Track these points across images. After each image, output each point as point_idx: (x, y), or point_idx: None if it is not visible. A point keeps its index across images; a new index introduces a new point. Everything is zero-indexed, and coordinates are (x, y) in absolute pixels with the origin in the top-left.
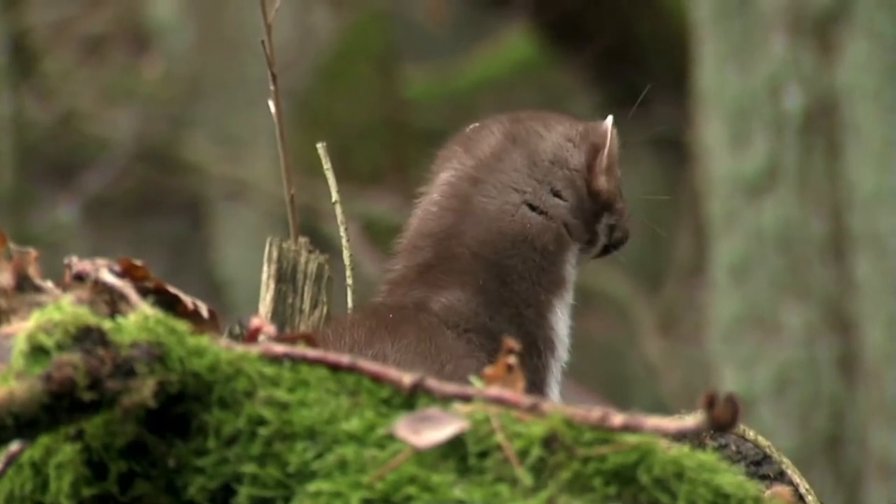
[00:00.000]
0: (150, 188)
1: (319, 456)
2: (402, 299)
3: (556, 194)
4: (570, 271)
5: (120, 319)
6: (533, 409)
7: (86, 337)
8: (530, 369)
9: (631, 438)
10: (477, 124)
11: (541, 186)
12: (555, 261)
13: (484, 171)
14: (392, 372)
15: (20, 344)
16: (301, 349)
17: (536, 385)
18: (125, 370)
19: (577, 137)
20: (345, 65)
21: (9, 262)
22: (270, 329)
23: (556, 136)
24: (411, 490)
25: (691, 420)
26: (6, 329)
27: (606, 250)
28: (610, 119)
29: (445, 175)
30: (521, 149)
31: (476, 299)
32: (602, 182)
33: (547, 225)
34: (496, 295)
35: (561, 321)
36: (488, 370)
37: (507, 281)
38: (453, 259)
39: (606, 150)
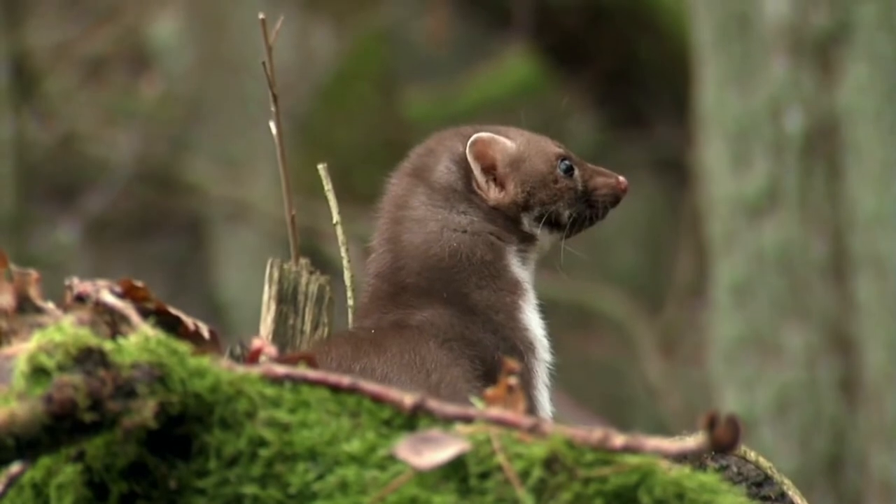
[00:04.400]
0: (151, 209)
1: (320, 477)
2: (379, 321)
3: (465, 213)
4: (519, 272)
5: (121, 340)
6: (534, 430)
7: (87, 358)
8: None
9: (632, 459)
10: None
11: (449, 211)
12: (499, 266)
13: (401, 210)
14: (393, 393)
15: (21, 365)
16: (302, 370)
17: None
18: (126, 391)
19: (458, 161)
20: (345, 86)
21: (10, 283)
22: (271, 350)
23: (442, 166)
24: None
25: (692, 441)
26: (7, 350)
27: (577, 227)
28: (472, 138)
29: (380, 219)
30: (421, 183)
31: (448, 311)
32: (493, 195)
33: (473, 239)
34: (463, 306)
35: (533, 321)
36: (489, 391)
37: (467, 292)
38: (410, 286)
39: (476, 172)
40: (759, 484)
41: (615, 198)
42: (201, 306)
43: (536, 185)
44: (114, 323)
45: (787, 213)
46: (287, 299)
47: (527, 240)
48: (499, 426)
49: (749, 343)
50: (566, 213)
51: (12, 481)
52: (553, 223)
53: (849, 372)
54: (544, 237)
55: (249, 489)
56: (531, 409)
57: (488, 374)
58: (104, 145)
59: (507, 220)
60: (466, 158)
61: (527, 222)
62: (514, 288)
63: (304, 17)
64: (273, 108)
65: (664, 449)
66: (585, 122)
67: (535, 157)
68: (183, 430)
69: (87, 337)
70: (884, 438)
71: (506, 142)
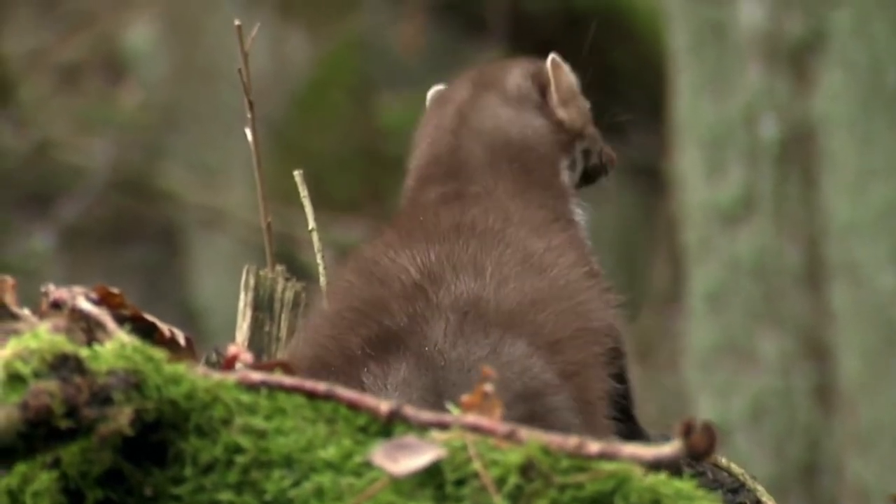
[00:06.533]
0: (126, 216)
1: (296, 484)
2: (444, 193)
3: (537, 118)
4: (567, 181)
5: (97, 347)
6: (510, 437)
7: (62, 365)
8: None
9: (607, 466)
10: (440, 87)
11: (523, 112)
12: (555, 168)
13: (467, 109)
14: (369, 399)
15: None
16: (278, 377)
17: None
18: (102, 398)
19: (531, 77)
20: (320, 93)
21: None
22: (247, 357)
23: (516, 76)
24: None
25: (668, 448)
26: None
27: (587, 178)
28: (551, 57)
29: (431, 124)
30: (491, 90)
31: (502, 184)
32: (561, 114)
33: (539, 133)
34: (525, 185)
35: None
36: (464, 398)
37: (527, 177)
38: (472, 164)
39: (553, 87)
40: (734, 490)
41: (611, 165)
42: (177, 313)
43: (586, 121)
44: (89, 330)
45: (762, 221)
46: (263, 306)
47: (572, 166)
48: (475, 433)
49: (724, 350)
50: (594, 159)
51: None
52: (583, 163)
53: (823, 379)
54: (570, 176)
55: (225, 496)
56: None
57: None
58: (79, 153)
59: (565, 142)
60: (541, 74)
61: (578, 148)
62: (560, 193)
63: (279, 24)
64: (249, 115)
65: (640, 456)
66: None
67: (582, 97)
68: (158, 436)
69: (63, 344)
70: (858, 445)
71: (570, 71)
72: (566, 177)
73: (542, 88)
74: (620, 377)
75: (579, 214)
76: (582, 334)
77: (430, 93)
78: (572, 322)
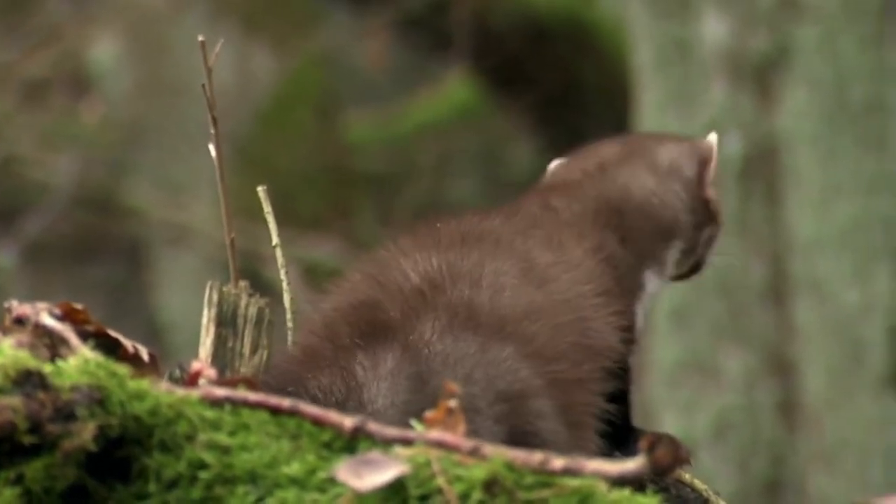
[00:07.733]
0: (90, 233)
1: (261, 500)
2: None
3: (675, 194)
4: (669, 259)
5: (60, 363)
6: (474, 453)
7: (26, 380)
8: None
9: (572, 482)
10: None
11: (662, 184)
12: (664, 244)
13: (610, 165)
14: (332, 415)
15: None
16: (242, 393)
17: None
18: (65, 414)
19: (687, 151)
20: (285, 109)
21: None
22: (211, 373)
23: (669, 149)
24: None
25: (632, 463)
26: None
27: (694, 269)
28: (714, 136)
29: (570, 167)
30: (640, 158)
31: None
32: (711, 192)
33: (666, 209)
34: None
35: (640, 319)
36: (428, 414)
37: (625, 237)
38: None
39: (713, 164)
40: None
41: (711, 261)
42: (141, 329)
43: (722, 208)
44: (53, 345)
45: (726, 237)
46: (226, 322)
47: (691, 250)
48: (439, 448)
49: (688, 367)
50: (710, 250)
51: None
52: (705, 249)
53: (787, 395)
54: (678, 256)
55: None
56: (627, 414)
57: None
58: (44, 168)
59: (698, 222)
60: (702, 151)
61: (706, 233)
62: (654, 263)
63: (244, 39)
64: (213, 131)
65: (604, 471)
66: (525, 145)
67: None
68: (122, 452)
69: (27, 359)
70: (822, 461)
71: None
72: (672, 254)
73: (703, 165)
74: (617, 397)
75: (652, 283)
76: (577, 349)
77: (551, 165)
78: (567, 336)
